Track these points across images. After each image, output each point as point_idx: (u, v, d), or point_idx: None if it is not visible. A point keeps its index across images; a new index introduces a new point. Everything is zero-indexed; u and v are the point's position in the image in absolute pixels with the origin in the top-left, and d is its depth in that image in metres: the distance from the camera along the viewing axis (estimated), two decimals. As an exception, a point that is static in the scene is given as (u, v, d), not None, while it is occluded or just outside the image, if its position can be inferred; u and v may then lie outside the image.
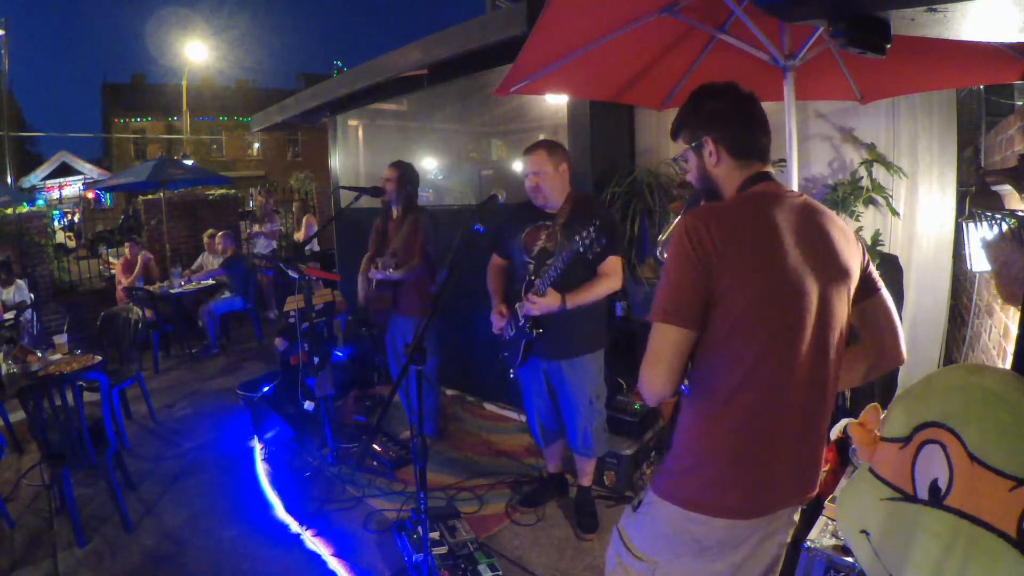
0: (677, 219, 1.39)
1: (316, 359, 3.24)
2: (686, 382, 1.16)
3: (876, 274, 1.26)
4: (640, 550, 1.21)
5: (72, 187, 19.59)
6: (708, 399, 1.13)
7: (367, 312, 3.37)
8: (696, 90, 1.27)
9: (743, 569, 1.22)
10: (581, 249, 2.11)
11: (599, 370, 2.52)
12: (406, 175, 3.28)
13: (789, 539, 1.29)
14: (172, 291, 6.00)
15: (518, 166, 6.06)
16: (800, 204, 1.18)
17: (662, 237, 1.39)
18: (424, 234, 3.21)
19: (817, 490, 1.23)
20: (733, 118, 1.22)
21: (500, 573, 2.27)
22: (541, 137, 4.89)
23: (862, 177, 2.88)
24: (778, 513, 1.19)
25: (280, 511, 2.91)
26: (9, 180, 16.73)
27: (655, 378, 1.10)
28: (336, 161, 5.86)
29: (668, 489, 1.19)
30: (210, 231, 6.79)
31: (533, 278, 2.34)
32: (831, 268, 1.15)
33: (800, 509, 1.29)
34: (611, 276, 2.34)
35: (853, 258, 1.20)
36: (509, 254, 2.56)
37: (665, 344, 1.08)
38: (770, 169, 1.22)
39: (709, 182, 1.24)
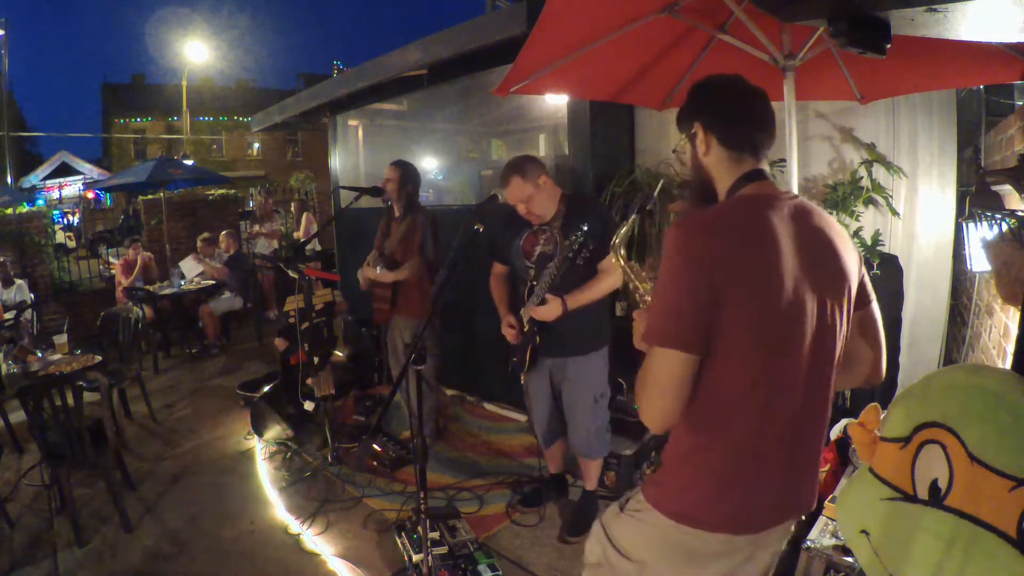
0: (630, 220, 1.35)
1: (316, 359, 3.24)
2: None
3: (869, 284, 1.20)
4: (628, 550, 1.19)
5: (72, 187, 19.58)
6: (702, 418, 1.08)
7: (368, 311, 3.37)
8: (697, 81, 1.23)
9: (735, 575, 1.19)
10: (571, 254, 2.16)
11: (603, 368, 2.51)
12: (407, 175, 3.25)
13: (784, 546, 1.27)
14: (173, 289, 6.01)
15: (518, 166, 6.06)
16: (796, 207, 1.11)
17: (616, 241, 1.33)
18: (421, 235, 3.18)
19: (815, 503, 1.20)
20: (727, 107, 1.16)
21: (500, 573, 2.27)
22: (541, 137, 4.90)
23: (862, 177, 2.88)
24: (773, 530, 1.16)
25: (280, 511, 2.91)
26: (9, 180, 16.75)
27: (660, 409, 1.03)
28: (336, 161, 5.86)
29: (661, 501, 1.16)
30: (205, 235, 6.75)
31: (534, 283, 2.34)
32: (830, 277, 1.09)
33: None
34: (613, 273, 2.32)
35: (852, 265, 1.14)
36: (509, 260, 2.55)
37: (669, 371, 1.00)
38: (765, 167, 1.15)
39: (701, 172, 1.19)
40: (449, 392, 4.32)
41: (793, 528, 1.27)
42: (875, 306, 1.20)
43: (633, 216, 1.35)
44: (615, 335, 2.56)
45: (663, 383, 1.01)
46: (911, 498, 1.18)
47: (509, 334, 2.48)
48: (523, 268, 2.44)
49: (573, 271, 2.24)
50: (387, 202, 3.35)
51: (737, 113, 1.16)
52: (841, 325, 1.11)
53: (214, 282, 6.25)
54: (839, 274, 1.11)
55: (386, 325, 3.42)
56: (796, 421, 1.10)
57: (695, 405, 1.07)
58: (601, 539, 1.26)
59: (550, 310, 2.26)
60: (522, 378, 2.57)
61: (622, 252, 1.30)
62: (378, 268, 3.16)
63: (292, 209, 9.86)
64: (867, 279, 1.20)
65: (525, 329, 2.42)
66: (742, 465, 1.09)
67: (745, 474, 1.09)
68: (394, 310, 3.27)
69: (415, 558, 2.29)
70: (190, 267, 6.37)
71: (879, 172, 2.88)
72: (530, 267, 2.40)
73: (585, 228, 2.13)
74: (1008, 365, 1.68)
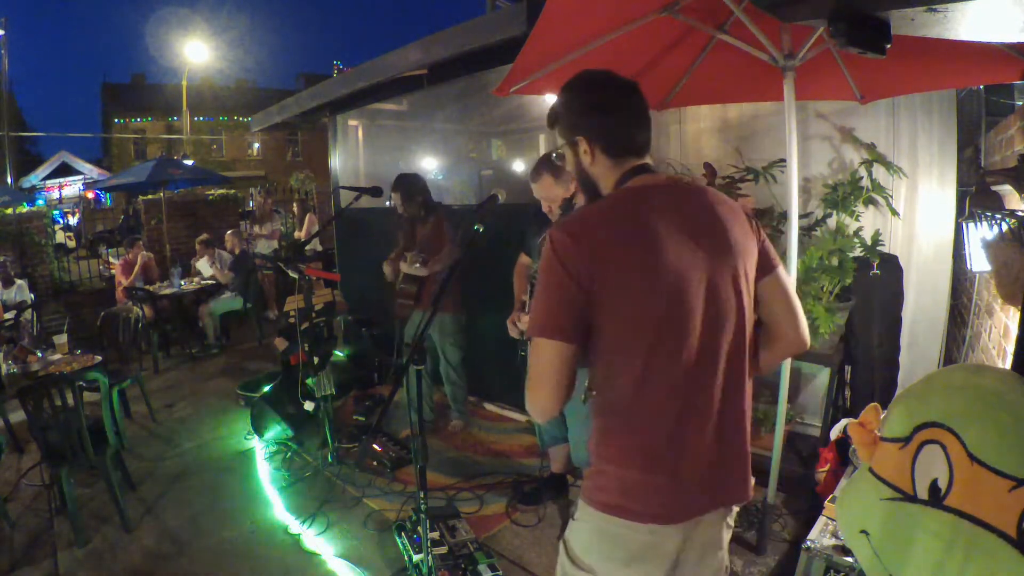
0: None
1: (316, 359, 3.24)
2: (593, 393, 1.14)
3: (772, 251, 1.20)
4: (579, 557, 1.17)
5: (72, 187, 19.57)
6: (609, 406, 1.11)
7: (368, 311, 3.45)
8: (571, 81, 1.21)
9: None
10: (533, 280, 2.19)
11: None
12: (408, 191, 3.40)
13: (726, 545, 1.22)
14: (173, 289, 6.02)
15: (518, 166, 6.08)
16: (678, 191, 1.14)
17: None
18: (449, 233, 3.34)
19: (751, 495, 1.17)
20: (608, 117, 1.16)
21: (500, 573, 2.27)
22: (541, 137, 4.91)
23: (862, 177, 2.88)
24: (704, 518, 1.13)
25: (280, 511, 2.91)
26: (9, 180, 16.74)
27: (541, 399, 1.07)
28: (336, 161, 5.86)
29: (590, 494, 1.15)
30: (203, 236, 6.76)
31: (532, 283, 2.36)
32: (720, 252, 1.10)
33: (775, 507, 1.22)
34: None
35: (744, 234, 1.15)
36: (532, 256, 2.57)
37: (546, 360, 1.05)
38: (647, 161, 1.18)
39: (586, 179, 1.22)
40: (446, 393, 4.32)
41: (731, 521, 1.21)
42: (782, 271, 1.20)
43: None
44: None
45: (542, 372, 1.06)
46: (911, 498, 1.18)
47: (512, 329, 2.49)
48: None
49: None
50: (389, 203, 3.43)
51: (620, 122, 1.17)
52: (742, 297, 1.11)
53: (214, 282, 6.26)
54: (729, 247, 1.11)
55: (402, 322, 3.49)
56: (707, 402, 1.09)
57: (601, 394, 1.12)
58: (561, 554, 1.22)
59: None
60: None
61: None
62: (417, 263, 3.30)
63: (294, 210, 9.85)
64: (769, 245, 1.20)
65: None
66: (656, 453, 1.08)
67: (661, 461, 1.08)
68: (417, 305, 3.38)
69: (415, 558, 2.29)
70: (205, 268, 6.44)
71: (879, 172, 2.88)
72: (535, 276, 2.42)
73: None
74: (1008, 365, 1.68)
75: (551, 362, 1.05)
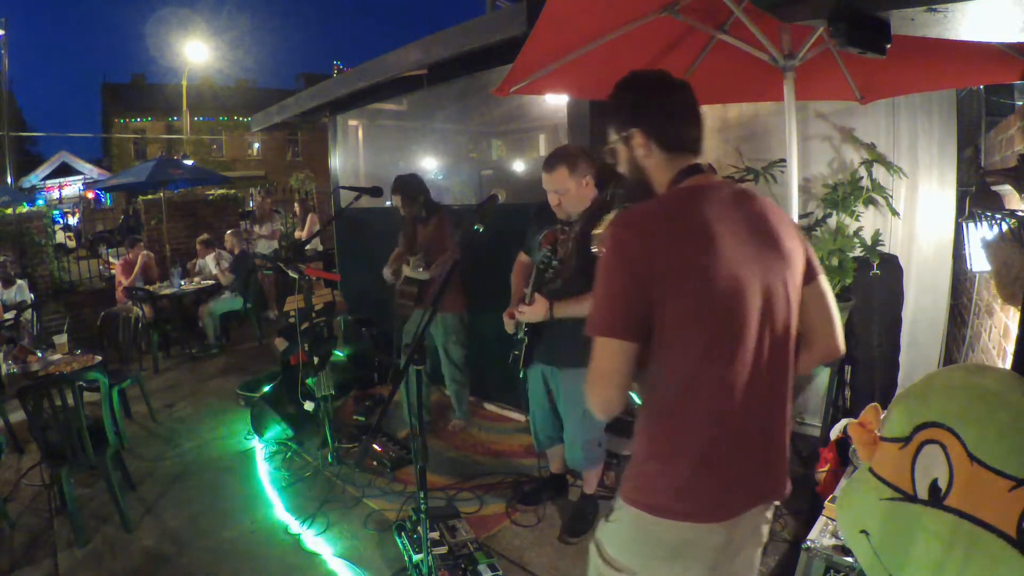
0: (612, 215, 1.33)
1: (316, 359, 3.24)
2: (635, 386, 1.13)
3: (816, 259, 1.22)
4: (616, 559, 1.17)
5: (72, 187, 19.58)
6: (660, 405, 1.11)
7: (392, 303, 3.49)
8: (624, 79, 1.23)
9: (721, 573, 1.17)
10: (542, 266, 2.22)
11: None
12: (409, 192, 3.39)
13: (765, 539, 1.24)
14: (173, 289, 6.02)
15: (518, 166, 6.09)
16: (734, 194, 1.15)
17: (596, 231, 1.33)
18: (451, 234, 3.35)
19: (788, 490, 1.19)
20: (662, 111, 1.18)
21: (500, 573, 2.27)
22: (541, 137, 4.90)
23: (862, 177, 2.88)
24: (745, 514, 1.14)
25: (280, 511, 2.91)
26: (9, 180, 16.75)
27: (606, 396, 1.08)
28: (336, 161, 5.86)
29: (632, 495, 1.15)
30: (203, 236, 6.76)
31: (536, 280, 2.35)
32: (772, 256, 1.11)
33: (776, 507, 1.26)
34: None
35: (794, 242, 1.17)
36: (531, 252, 2.55)
37: (608, 359, 1.06)
38: (701, 161, 1.20)
39: (640, 174, 1.22)
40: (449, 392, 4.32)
41: (770, 515, 1.24)
42: (823, 279, 1.22)
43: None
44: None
45: (603, 370, 1.07)
46: (911, 498, 1.18)
47: (507, 323, 2.47)
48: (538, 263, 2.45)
49: (574, 280, 2.24)
50: (389, 203, 3.43)
51: (675, 116, 1.19)
52: (791, 303, 1.13)
53: (214, 282, 6.26)
54: (782, 253, 1.13)
55: (403, 321, 3.50)
56: (755, 404, 1.10)
57: (652, 393, 1.12)
58: (594, 555, 1.23)
59: (534, 311, 2.24)
60: (521, 372, 2.57)
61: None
62: (420, 268, 3.29)
63: (295, 210, 9.84)
64: (812, 253, 1.22)
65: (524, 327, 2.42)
66: (705, 453, 1.09)
67: (709, 462, 1.09)
68: (418, 305, 3.37)
69: (415, 558, 2.29)
70: (211, 266, 6.47)
71: (879, 172, 2.88)
72: (540, 268, 2.40)
73: (557, 249, 2.26)
74: (1008, 365, 1.68)
75: (614, 360, 1.06)
